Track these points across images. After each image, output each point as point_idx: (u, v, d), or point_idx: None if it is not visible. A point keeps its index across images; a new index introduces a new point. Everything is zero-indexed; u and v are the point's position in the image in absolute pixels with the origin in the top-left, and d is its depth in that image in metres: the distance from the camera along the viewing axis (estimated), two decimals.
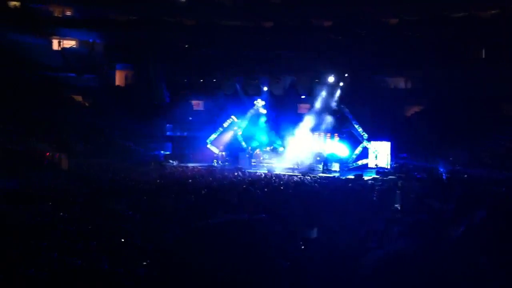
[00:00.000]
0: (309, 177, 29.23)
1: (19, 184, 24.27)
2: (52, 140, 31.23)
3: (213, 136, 38.44)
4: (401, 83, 46.34)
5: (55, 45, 45.74)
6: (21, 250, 14.59)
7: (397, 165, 33.65)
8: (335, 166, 34.09)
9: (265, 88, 40.11)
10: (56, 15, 45.56)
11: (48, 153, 29.78)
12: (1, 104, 33.14)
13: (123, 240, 15.08)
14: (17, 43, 40.14)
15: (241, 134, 38.62)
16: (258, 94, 40.00)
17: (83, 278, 12.16)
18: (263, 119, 38.34)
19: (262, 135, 37.79)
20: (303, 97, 41.76)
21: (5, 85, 34.77)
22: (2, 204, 20.45)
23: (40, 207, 19.90)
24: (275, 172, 31.60)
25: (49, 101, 36.54)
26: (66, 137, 32.65)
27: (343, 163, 34.61)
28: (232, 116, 38.55)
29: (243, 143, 38.32)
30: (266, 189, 21.92)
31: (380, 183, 26.00)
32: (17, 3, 43.30)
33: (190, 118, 42.68)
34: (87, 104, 41.79)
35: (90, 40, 46.36)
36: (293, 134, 35.96)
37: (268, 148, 36.76)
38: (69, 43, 46.61)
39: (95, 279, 12.01)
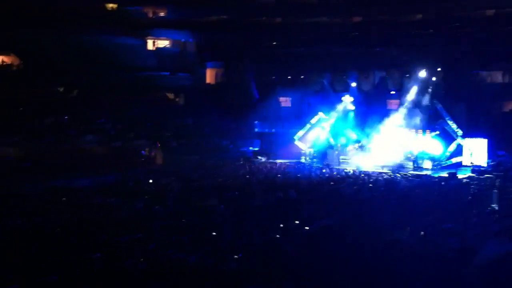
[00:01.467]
0: (399, 175, 28.60)
1: (118, 178, 25.64)
2: (147, 137, 32.60)
3: (301, 133, 38.49)
4: (498, 77, 44.08)
5: (149, 46, 47.60)
6: (118, 242, 15.41)
7: (494, 163, 32.11)
8: (427, 164, 33.04)
9: (354, 84, 39.61)
10: (150, 16, 47.44)
11: (143, 149, 31.16)
12: (101, 103, 35.02)
13: (214, 234, 15.56)
14: (114, 44, 42.22)
15: (329, 131, 38.40)
16: (346, 90, 39.58)
17: (174, 269, 12.68)
18: (351, 115, 37.91)
19: (350, 132, 37.39)
20: (392, 92, 40.82)
21: (104, 85, 36.67)
22: (102, 198, 21.70)
23: (136, 201, 20.94)
24: (363, 170, 31.19)
25: (144, 99, 38.14)
26: (161, 134, 33.95)
27: (435, 160, 33.49)
28: (320, 113, 38.42)
29: (331, 140, 38.09)
30: (355, 187, 21.76)
31: (476, 182, 24.98)
32: (113, 6, 45.51)
33: (278, 115, 42.99)
34: (179, 102, 43.20)
35: (182, 40, 47.81)
36: (382, 130, 35.28)
37: (356, 145, 36.31)
38: (163, 43, 48.31)
39: (185, 271, 12.49)
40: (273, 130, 41.77)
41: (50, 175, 24.05)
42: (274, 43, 47.68)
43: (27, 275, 12.21)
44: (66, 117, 32.09)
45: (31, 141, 27.43)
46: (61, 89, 35.54)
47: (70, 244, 15.14)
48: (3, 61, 35.02)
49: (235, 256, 12.54)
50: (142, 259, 13.73)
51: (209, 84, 47.25)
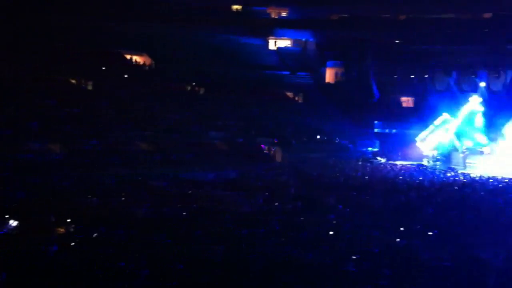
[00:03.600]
0: None
1: (239, 174, 26.50)
2: (268, 135, 33.31)
3: (423, 134, 37.22)
4: None
5: (271, 45, 48.50)
6: (239, 235, 15.94)
7: None
8: None
9: (482, 84, 37.57)
10: (273, 16, 48.36)
11: (264, 146, 31.88)
12: (225, 100, 36.35)
13: (331, 233, 15.59)
14: (238, 44, 43.60)
15: (453, 133, 36.77)
16: (474, 90, 37.66)
17: (291, 266, 12.86)
18: (478, 117, 36.01)
19: (478, 134, 35.53)
20: None
21: (227, 83, 38.00)
22: (224, 192, 22.56)
23: (257, 196, 21.52)
24: (491, 175, 29.48)
25: (265, 98, 38.99)
26: (281, 132, 34.53)
27: None
28: (444, 113, 36.89)
29: (456, 142, 36.42)
30: (482, 193, 20.72)
31: None
32: (238, 7, 46.95)
33: (399, 115, 41.90)
34: (299, 101, 43.59)
35: (303, 39, 48.15)
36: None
37: (484, 148, 34.44)
38: (284, 43, 49.00)
39: (302, 268, 12.64)
40: (394, 131, 40.79)
41: (177, 168, 25.44)
42: (397, 40, 46.46)
43: (156, 262, 13.05)
44: (192, 114, 33.70)
45: (160, 136, 29.17)
46: (189, 87, 37.35)
47: (195, 234, 15.94)
48: (136, 61, 37.47)
49: (353, 257, 12.50)
50: (261, 253, 14.13)
51: (329, 83, 47.17)
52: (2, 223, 16.29)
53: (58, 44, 33.16)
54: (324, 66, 47.26)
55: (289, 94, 43.76)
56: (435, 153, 36.25)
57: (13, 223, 16.55)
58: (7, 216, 16.68)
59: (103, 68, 34.41)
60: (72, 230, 16.39)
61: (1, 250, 13.44)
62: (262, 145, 32.14)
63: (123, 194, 20.54)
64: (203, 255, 13.94)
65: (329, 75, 47.75)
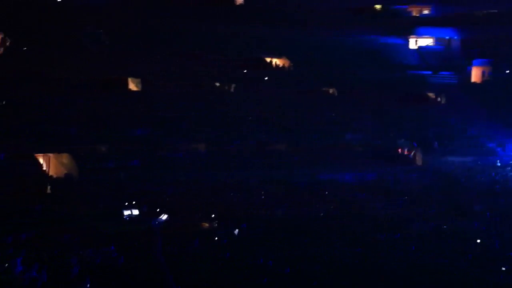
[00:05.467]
0: None
1: (377, 176, 26.11)
2: (407, 137, 32.31)
3: None
4: None
5: (411, 44, 47.05)
6: (376, 239, 15.73)
7: None
8: None
9: None
10: (414, 14, 46.85)
11: (403, 149, 31.02)
12: (363, 101, 35.90)
13: (479, 241, 14.86)
14: (378, 44, 42.83)
15: None
16: None
17: (434, 278, 12.44)
18: None
19: None
20: None
21: (366, 84, 37.45)
22: (362, 194, 22.42)
23: (396, 200, 21.12)
24: None
25: (405, 98, 37.82)
26: (421, 134, 33.31)
27: None
28: None
29: None
30: None
31: None
32: (378, 6, 46.15)
33: None
34: (442, 102, 41.77)
35: (447, 37, 46.09)
36: None
37: None
38: (426, 41, 47.28)
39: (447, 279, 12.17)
40: None
41: (314, 169, 25.70)
42: None
43: (294, 261, 13.36)
44: (330, 115, 33.74)
45: (299, 137, 29.62)
46: (328, 89, 37.43)
47: (332, 236, 16.05)
48: (276, 64, 38.33)
49: (503, 268, 11.86)
50: (401, 260, 13.85)
51: (474, 83, 44.71)
52: (154, 216, 17.77)
53: (202, 50, 34.96)
54: (469, 65, 44.88)
55: (431, 95, 42.13)
56: None
57: (163, 216, 17.96)
58: (158, 210, 18.16)
59: (245, 71, 35.64)
60: (215, 226, 17.38)
61: (153, 240, 14.67)
62: (402, 148, 31.28)
63: (263, 193, 21.27)
64: (340, 257, 14.02)
65: (476, 74, 45.19)
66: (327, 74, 36.84)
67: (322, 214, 18.61)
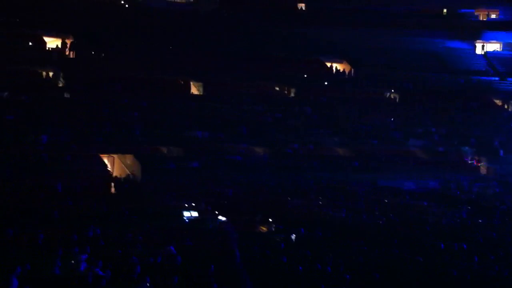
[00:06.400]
0: None
1: (440, 184, 25.51)
2: (472, 144, 31.42)
3: None
4: None
5: (478, 49, 45.70)
6: (438, 248, 15.33)
7: None
8: None
9: None
10: (481, 18, 45.45)
11: (467, 156, 30.20)
12: (427, 107, 35.15)
13: None
14: (443, 48, 41.85)
15: None
16: None
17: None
18: None
19: None
20: None
21: (430, 89, 36.65)
22: (424, 202, 21.91)
23: (459, 208, 20.51)
24: None
25: (470, 105, 36.83)
26: (487, 141, 32.28)
27: None
28: None
29: None
30: None
31: None
32: (444, 10, 45.08)
33: None
34: (509, 109, 40.35)
35: None
36: None
37: None
38: (493, 46, 45.82)
39: None
40: None
41: (375, 175, 25.38)
42: None
43: (352, 268, 13.20)
44: (392, 120, 33.23)
45: (359, 142, 29.33)
46: (388, 93, 36.91)
47: (392, 243, 15.76)
48: (336, 68, 38.08)
49: None
50: (464, 270, 13.46)
51: None
52: (213, 218, 17.97)
53: (262, 52, 35.19)
54: None
55: (498, 102, 40.78)
56: None
57: (222, 218, 18.14)
58: (217, 212, 18.36)
59: (305, 75, 35.62)
60: (273, 229, 17.39)
61: (211, 243, 14.84)
62: (466, 155, 30.42)
63: (322, 197, 21.16)
64: (400, 265, 13.75)
65: None
66: (389, 77, 36.36)
67: (381, 221, 18.28)
